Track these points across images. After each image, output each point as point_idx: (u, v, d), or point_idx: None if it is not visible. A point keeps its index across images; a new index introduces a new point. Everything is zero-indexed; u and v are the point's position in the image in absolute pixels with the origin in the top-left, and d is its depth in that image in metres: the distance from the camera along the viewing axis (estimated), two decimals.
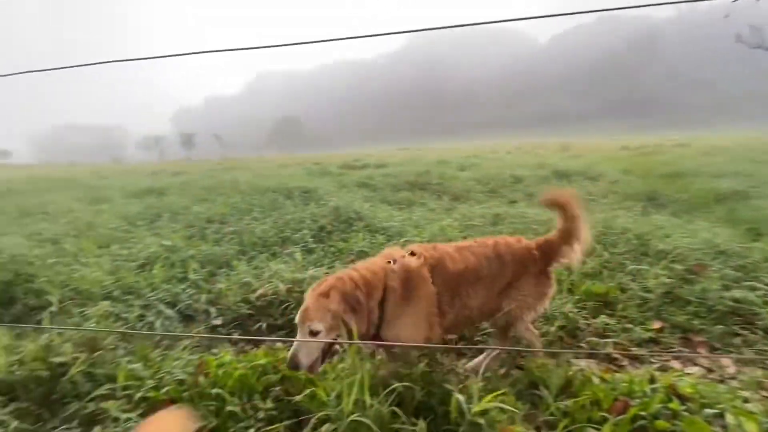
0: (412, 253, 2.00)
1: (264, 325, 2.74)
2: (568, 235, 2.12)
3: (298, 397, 1.75)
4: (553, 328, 2.49)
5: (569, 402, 1.70)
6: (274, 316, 2.83)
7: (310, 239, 4.27)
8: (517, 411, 1.56)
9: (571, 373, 1.91)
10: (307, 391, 1.73)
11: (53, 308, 2.64)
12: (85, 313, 2.60)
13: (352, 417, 1.49)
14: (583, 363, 2.21)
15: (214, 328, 2.74)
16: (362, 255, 3.78)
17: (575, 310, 2.68)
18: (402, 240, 4.20)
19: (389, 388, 1.60)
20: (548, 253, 2.14)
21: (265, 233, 4.41)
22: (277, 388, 1.91)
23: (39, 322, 2.53)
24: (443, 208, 6.31)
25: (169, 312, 2.76)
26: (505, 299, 2.07)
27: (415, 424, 1.52)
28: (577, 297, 2.85)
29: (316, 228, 4.60)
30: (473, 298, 2.00)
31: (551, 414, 1.67)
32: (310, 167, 13.65)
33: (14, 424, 1.69)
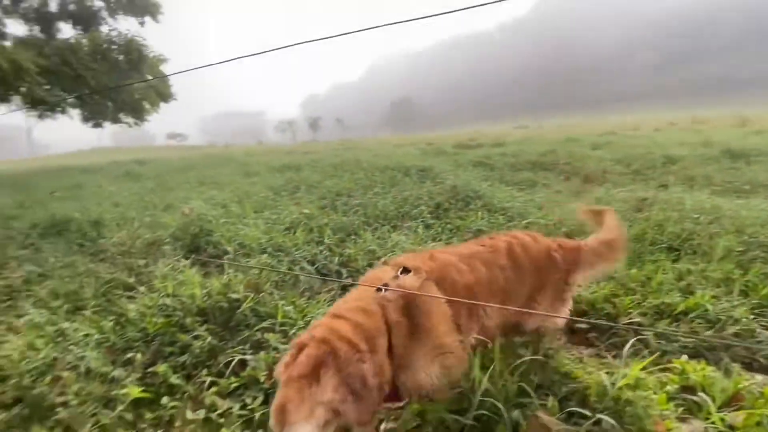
0: (406, 270, 1.52)
1: None
2: (605, 247, 1.88)
3: None
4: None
5: (737, 414, 1.45)
6: None
7: (428, 215, 4.37)
8: (668, 409, 1.40)
9: (741, 385, 1.62)
10: None
11: (229, 256, 3.30)
12: (249, 262, 3.19)
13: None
14: (759, 377, 1.83)
15: (344, 288, 3.08)
16: (480, 233, 3.74)
17: (751, 316, 2.21)
18: (524, 222, 4.00)
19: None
20: (574, 260, 1.83)
21: (386, 207, 4.67)
22: None
23: (220, 266, 3.21)
24: (572, 190, 5.73)
25: (310, 268, 3.19)
26: (525, 315, 1.76)
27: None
28: (754, 301, 2.33)
29: (433, 205, 4.68)
30: (490, 318, 1.61)
31: (712, 423, 1.45)
32: (423, 147, 13.79)
33: (209, 339, 2.20)
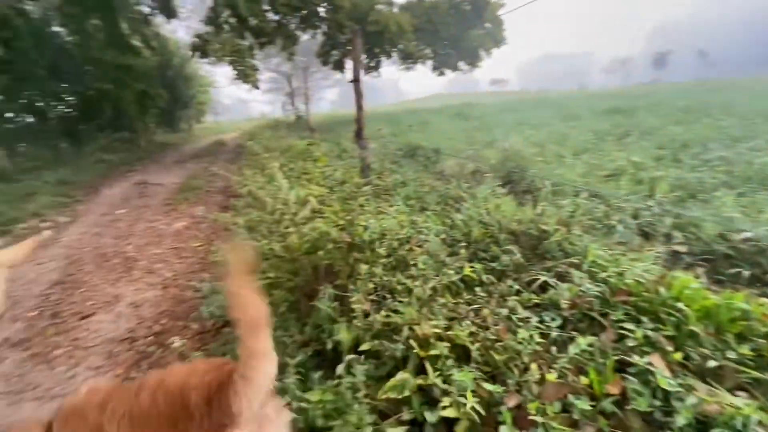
0: None
1: (746, 274, 2.21)
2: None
3: None
4: None
5: None
6: (764, 267, 2.20)
7: None
8: None
9: None
10: None
11: (546, 191, 3.39)
12: (559, 202, 3.17)
13: None
14: None
15: (674, 253, 2.54)
16: None
17: None
18: None
19: None
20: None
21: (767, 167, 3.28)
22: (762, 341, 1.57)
23: (533, 198, 3.37)
24: None
25: (630, 221, 2.81)
26: None
27: None
28: None
29: None
30: None
31: None
32: None
33: (517, 256, 2.44)
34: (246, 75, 9.79)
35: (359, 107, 3.78)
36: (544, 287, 2.21)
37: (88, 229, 5.40)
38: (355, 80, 3.72)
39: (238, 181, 6.16)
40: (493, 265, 2.45)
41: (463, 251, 2.58)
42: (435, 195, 3.88)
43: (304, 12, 11.71)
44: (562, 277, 2.25)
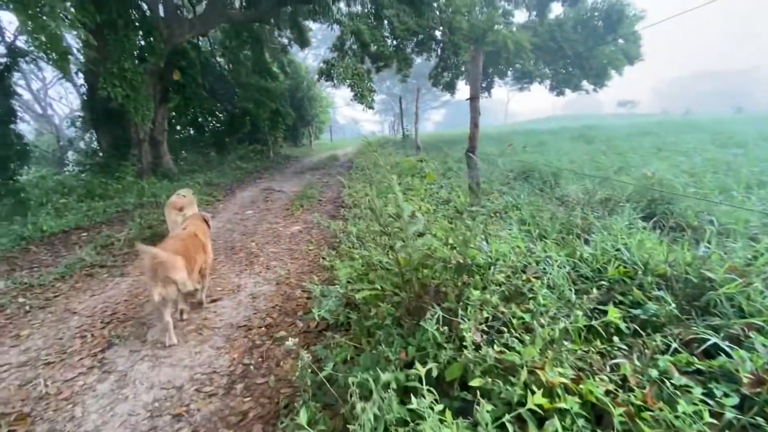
0: None
1: None
2: None
3: None
4: None
5: None
6: None
7: None
8: None
9: None
10: None
11: (709, 230, 2.77)
12: (730, 245, 2.53)
13: None
14: None
15: None
16: None
17: None
18: None
19: None
20: None
21: None
22: None
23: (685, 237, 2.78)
24: None
25: None
26: None
27: None
28: None
29: None
30: None
31: None
32: None
33: (671, 307, 1.99)
34: (362, 96, 10.46)
35: (475, 124, 3.64)
36: (711, 351, 1.74)
37: (224, 225, 6.25)
38: (473, 98, 3.60)
39: (347, 192, 6.52)
40: (636, 312, 2.04)
41: (594, 291, 2.21)
42: (555, 222, 3.49)
43: (421, 36, 12.12)
44: (738, 342, 1.75)
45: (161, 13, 10.77)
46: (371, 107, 11.12)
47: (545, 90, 17.61)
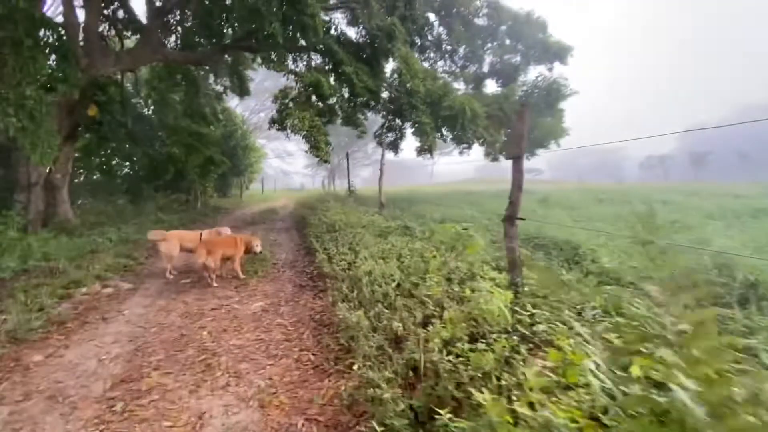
0: None
1: None
2: None
3: None
4: None
5: None
6: None
7: None
8: None
9: None
10: None
11: None
12: None
13: None
14: None
15: None
16: None
17: None
18: None
19: None
20: None
21: None
22: None
23: None
24: None
25: None
26: None
27: None
28: None
29: None
30: None
31: None
32: None
33: None
34: (319, 148, 9.79)
35: (518, 187, 3.11)
36: None
37: (152, 301, 4.71)
38: (517, 157, 3.10)
39: (322, 258, 5.48)
40: None
41: None
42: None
43: (372, 97, 12.12)
44: None
45: (80, 39, 9.21)
46: (327, 161, 10.45)
47: (479, 154, 18.80)
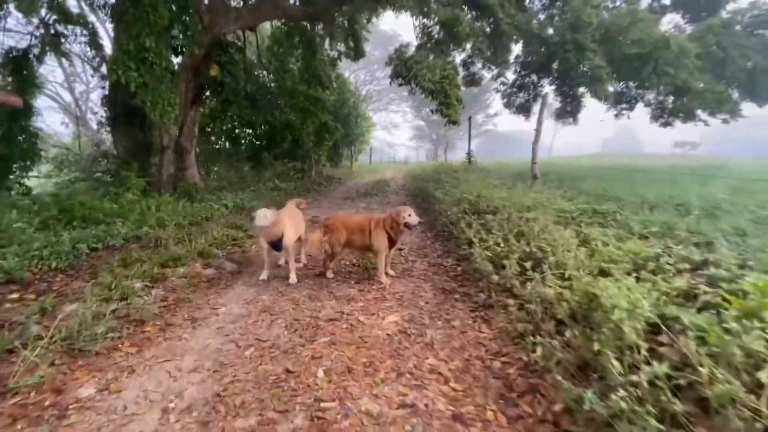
0: None
1: None
2: None
3: None
4: None
5: None
6: None
7: None
8: None
9: None
10: None
11: None
12: None
13: None
14: None
15: None
16: None
17: None
18: None
19: None
20: None
21: None
22: None
23: None
24: None
25: None
26: None
27: None
28: None
29: None
30: None
31: None
32: None
33: None
34: (448, 106, 7.85)
35: None
36: None
37: (256, 295, 3.55)
38: None
39: (477, 253, 3.67)
40: None
41: None
42: None
43: (521, 38, 9.52)
44: None
45: None
46: (456, 122, 8.48)
47: (646, 117, 14.66)
